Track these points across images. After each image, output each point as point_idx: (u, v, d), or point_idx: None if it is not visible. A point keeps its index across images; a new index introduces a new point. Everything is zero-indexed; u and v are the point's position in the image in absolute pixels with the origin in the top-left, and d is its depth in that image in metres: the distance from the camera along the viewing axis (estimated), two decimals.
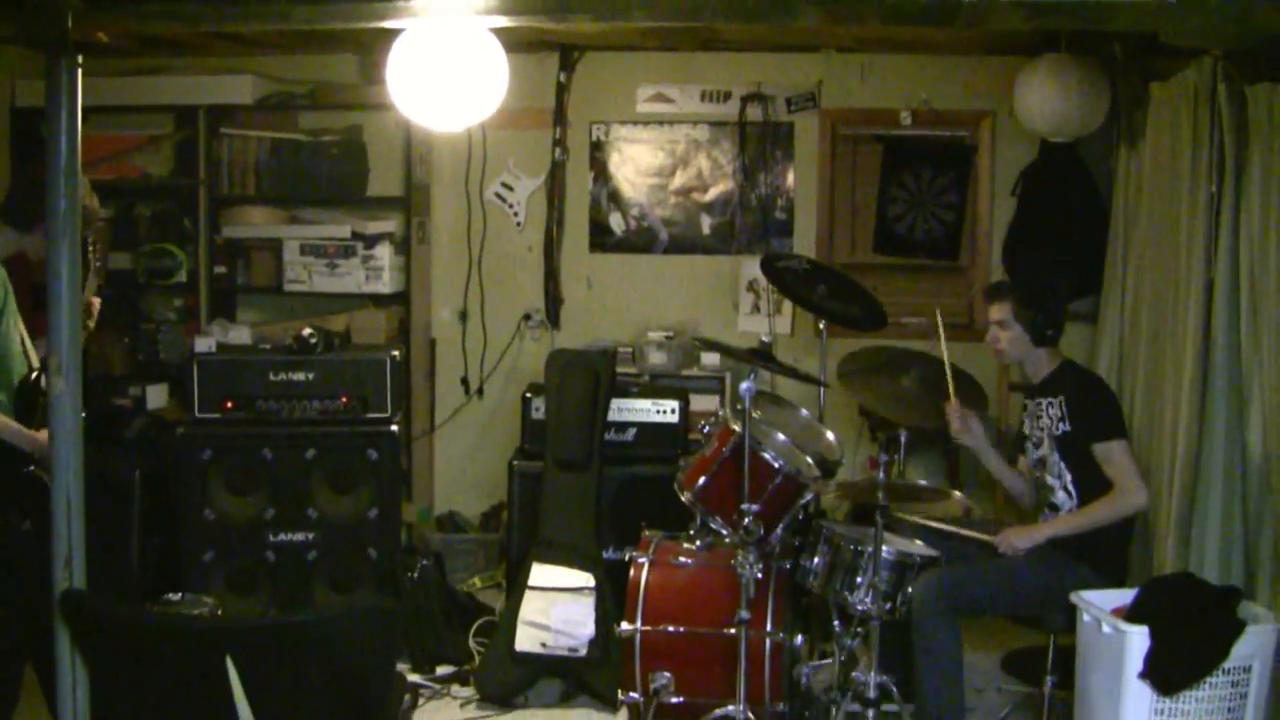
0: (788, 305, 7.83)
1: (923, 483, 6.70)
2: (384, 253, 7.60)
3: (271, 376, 6.45)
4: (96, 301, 5.34)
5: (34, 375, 5.09)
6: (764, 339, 6.05)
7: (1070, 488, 5.38)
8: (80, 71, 4.04)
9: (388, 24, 4.54)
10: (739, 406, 5.12)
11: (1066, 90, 6.61)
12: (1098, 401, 5.44)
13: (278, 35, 7.43)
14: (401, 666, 6.23)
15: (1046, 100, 6.66)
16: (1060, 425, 5.39)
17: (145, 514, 6.40)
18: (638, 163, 8.08)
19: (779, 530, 5.31)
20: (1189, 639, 4.60)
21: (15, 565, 4.62)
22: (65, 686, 4.09)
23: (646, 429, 6.73)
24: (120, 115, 7.64)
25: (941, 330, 5.71)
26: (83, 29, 4.07)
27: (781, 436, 5.51)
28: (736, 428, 5.21)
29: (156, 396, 7.17)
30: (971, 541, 5.50)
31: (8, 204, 5.24)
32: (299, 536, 6.40)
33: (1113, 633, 4.69)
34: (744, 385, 5.06)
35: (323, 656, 3.34)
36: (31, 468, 4.87)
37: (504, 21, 4.41)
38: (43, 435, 4.84)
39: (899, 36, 7.21)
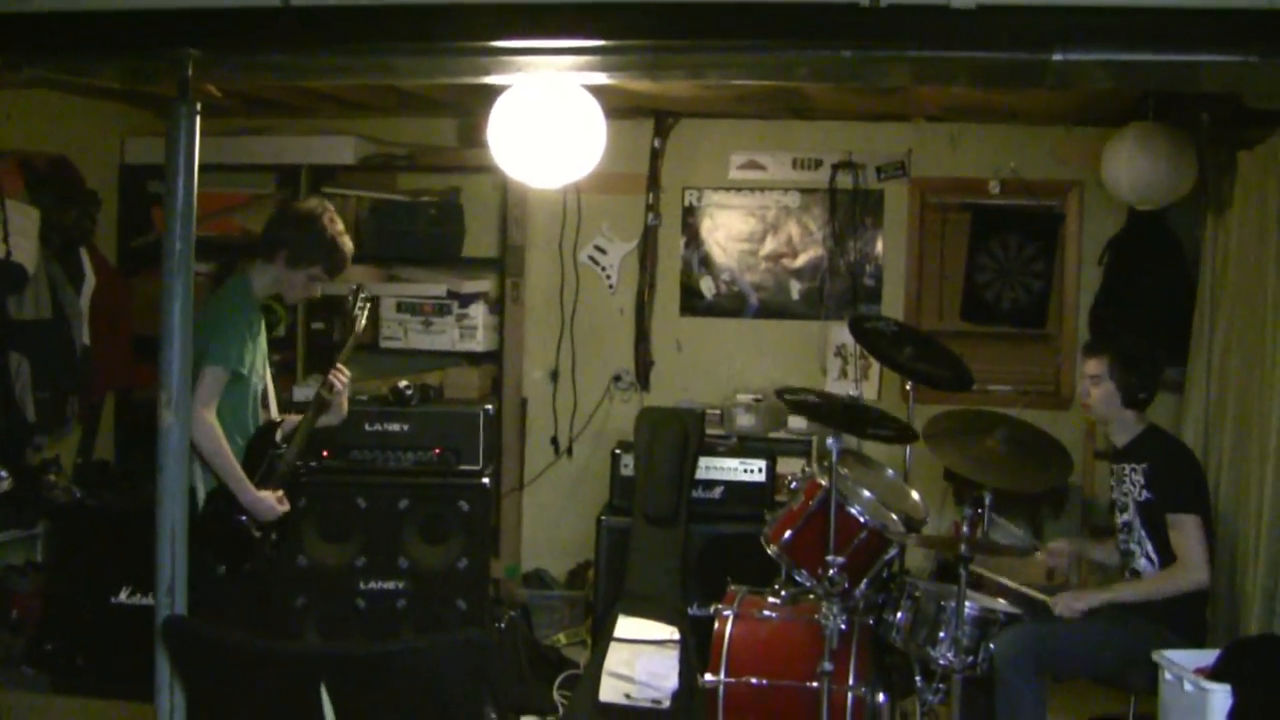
0: (874, 370, 7.85)
1: (1006, 540, 6.67)
2: (478, 312, 7.72)
3: (367, 427, 6.59)
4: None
5: (270, 428, 5.20)
6: (852, 393, 6.09)
7: (1153, 555, 5.40)
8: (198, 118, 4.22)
9: (489, 79, 4.68)
10: (826, 463, 5.19)
11: (1154, 159, 6.58)
12: (1180, 472, 5.46)
13: (379, 98, 7.58)
14: None
15: (1134, 169, 6.64)
16: (1144, 492, 5.41)
17: None
18: (729, 228, 8.18)
19: (863, 585, 5.37)
20: (1272, 698, 4.58)
21: (204, 607, 4.64)
22: (163, 712, 4.21)
23: (734, 488, 6.81)
24: (225, 173, 7.73)
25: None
26: (199, 81, 4.25)
27: (867, 493, 5.56)
28: (824, 482, 5.28)
29: None
30: (1030, 601, 5.51)
31: (285, 240, 5.38)
32: (389, 585, 6.49)
33: (1195, 691, 4.67)
34: (831, 439, 5.13)
35: (415, 686, 3.39)
36: (244, 517, 4.96)
37: (601, 78, 4.52)
38: (264, 495, 4.97)
39: (987, 105, 7.22)
